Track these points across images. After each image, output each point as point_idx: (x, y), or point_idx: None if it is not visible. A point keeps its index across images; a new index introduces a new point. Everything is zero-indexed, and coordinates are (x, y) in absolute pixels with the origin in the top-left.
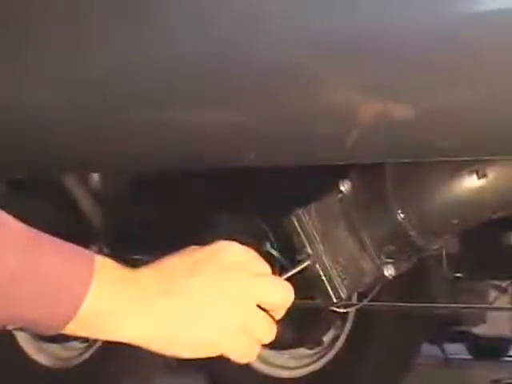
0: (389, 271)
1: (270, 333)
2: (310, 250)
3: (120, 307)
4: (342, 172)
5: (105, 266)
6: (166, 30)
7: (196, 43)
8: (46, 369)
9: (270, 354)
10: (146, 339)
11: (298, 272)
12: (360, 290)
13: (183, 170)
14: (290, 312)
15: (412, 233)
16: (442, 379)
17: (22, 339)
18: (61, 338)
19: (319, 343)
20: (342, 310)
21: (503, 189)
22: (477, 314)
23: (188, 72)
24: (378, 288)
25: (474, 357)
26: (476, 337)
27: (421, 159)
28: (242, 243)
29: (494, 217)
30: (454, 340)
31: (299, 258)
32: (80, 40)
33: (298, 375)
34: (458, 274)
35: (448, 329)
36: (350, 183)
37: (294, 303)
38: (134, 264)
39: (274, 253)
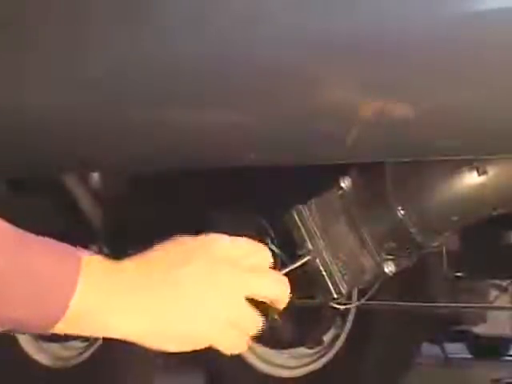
0: (389, 268)
1: (257, 327)
2: (310, 246)
3: (107, 304)
4: (342, 169)
5: (91, 263)
6: (165, 30)
7: (195, 43)
8: (47, 368)
9: (271, 353)
10: (136, 334)
11: (298, 267)
12: (360, 286)
13: (183, 169)
14: (290, 311)
15: (412, 230)
16: (442, 378)
17: (23, 339)
18: (61, 338)
19: (319, 342)
20: (341, 307)
21: (503, 185)
22: (477, 314)
23: (188, 72)
24: (377, 285)
25: (475, 356)
26: (476, 336)
27: (421, 158)
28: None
29: (494, 214)
30: (454, 339)
31: (300, 253)
32: (80, 40)
33: (298, 374)
34: (459, 273)
35: (448, 328)
36: (350, 180)
37: (294, 302)
38: None
39: (274, 248)
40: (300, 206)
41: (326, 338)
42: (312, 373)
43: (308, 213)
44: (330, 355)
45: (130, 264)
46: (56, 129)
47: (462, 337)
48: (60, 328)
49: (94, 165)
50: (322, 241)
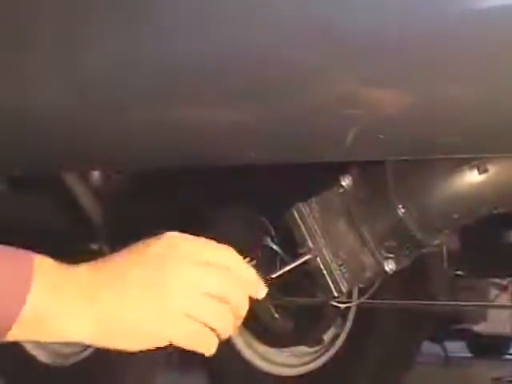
0: (389, 266)
1: (224, 321)
2: (310, 244)
3: (59, 309)
4: (343, 167)
5: (43, 267)
6: (165, 29)
7: (195, 42)
8: (46, 366)
9: (271, 351)
10: (89, 337)
11: (299, 265)
12: (360, 284)
13: (183, 168)
14: (290, 309)
15: (413, 228)
16: (443, 377)
17: None
18: None
19: (320, 341)
20: (342, 306)
21: (504, 184)
22: (477, 312)
23: (188, 70)
24: (378, 284)
25: (475, 355)
26: (477, 335)
27: (421, 157)
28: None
29: (495, 212)
30: (454, 338)
31: (300, 251)
32: (80, 39)
33: (299, 373)
34: (459, 272)
35: (448, 327)
36: (351, 178)
37: (294, 301)
38: None
39: (275, 247)
40: (300, 205)
41: (327, 336)
42: (312, 371)
43: (308, 211)
44: (331, 354)
45: (82, 269)
46: (56, 127)
47: (463, 335)
48: (13, 335)
49: (95, 163)
50: (322, 239)
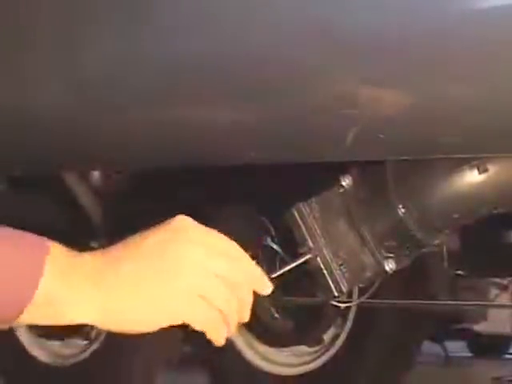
0: (389, 266)
1: (231, 306)
2: (311, 244)
3: (68, 293)
4: (343, 167)
5: (55, 253)
6: (165, 28)
7: (195, 41)
8: (46, 366)
9: (271, 351)
10: (97, 319)
11: (299, 265)
12: (361, 284)
13: (183, 167)
14: (291, 309)
15: (413, 228)
16: (443, 377)
17: (23, 336)
18: (62, 336)
19: (320, 341)
20: (342, 305)
21: (504, 184)
22: (478, 312)
23: (188, 70)
24: (378, 283)
25: (475, 354)
26: (477, 334)
27: (422, 156)
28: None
29: (495, 212)
30: (454, 338)
31: (300, 251)
32: (79, 39)
33: (299, 373)
34: (459, 272)
35: (449, 326)
36: (351, 178)
37: (295, 301)
38: None
39: (275, 247)
40: (301, 205)
41: (327, 336)
42: (312, 371)
43: (309, 211)
44: (331, 353)
45: (87, 256)
46: (56, 127)
47: (463, 335)
48: (24, 318)
49: (95, 163)
50: (322, 239)
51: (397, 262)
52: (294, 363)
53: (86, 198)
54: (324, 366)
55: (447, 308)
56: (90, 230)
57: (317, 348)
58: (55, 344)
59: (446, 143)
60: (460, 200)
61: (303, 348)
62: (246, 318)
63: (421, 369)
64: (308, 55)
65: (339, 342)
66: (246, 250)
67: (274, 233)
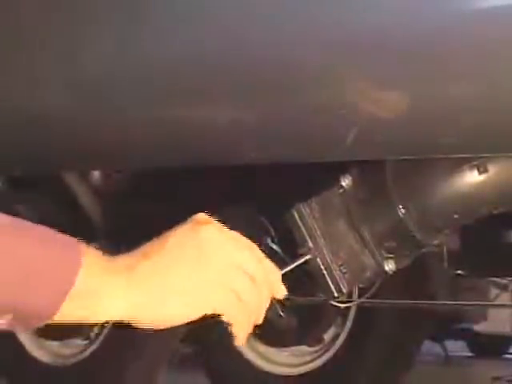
0: (389, 266)
1: (256, 298)
2: (310, 244)
3: (103, 289)
4: (343, 167)
5: (88, 252)
6: (165, 29)
7: (196, 40)
8: (46, 366)
9: (271, 351)
10: (132, 314)
11: (299, 265)
12: (361, 284)
13: (183, 167)
14: (291, 309)
15: (413, 228)
16: (443, 377)
17: (23, 336)
18: (62, 336)
19: (320, 341)
20: (342, 305)
21: (504, 184)
22: (478, 312)
23: (188, 70)
24: (378, 284)
25: (475, 354)
26: (477, 334)
27: (422, 156)
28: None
29: (495, 212)
30: (454, 337)
31: (300, 251)
32: (80, 39)
33: (299, 373)
34: (459, 272)
35: (449, 326)
36: (351, 178)
37: (295, 300)
38: None
39: (275, 247)
40: (301, 205)
41: (327, 336)
42: (312, 371)
43: (308, 211)
44: (331, 353)
45: (118, 256)
46: (56, 127)
47: (463, 335)
48: (60, 315)
49: (95, 163)
50: (322, 239)
51: (397, 263)
52: (295, 363)
53: (85, 198)
54: (324, 365)
55: (447, 308)
56: (89, 229)
57: (317, 348)
58: (55, 344)
59: (445, 143)
60: (460, 200)
61: (303, 348)
62: (261, 319)
63: (421, 369)
64: (308, 55)
65: (339, 342)
66: None
67: (273, 233)
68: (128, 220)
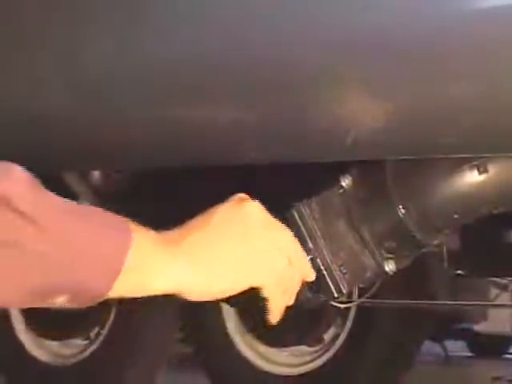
0: (389, 267)
1: (291, 278)
2: (310, 245)
3: (155, 263)
4: (343, 167)
5: (138, 229)
6: (165, 29)
7: (196, 41)
8: (46, 366)
9: (271, 351)
10: (184, 285)
11: None
12: (361, 284)
13: (183, 167)
14: (291, 309)
15: (413, 228)
16: (443, 377)
17: (23, 336)
18: (62, 336)
19: (320, 341)
20: (342, 306)
21: (504, 184)
22: (478, 312)
23: (188, 70)
24: (378, 284)
25: (475, 354)
26: (477, 334)
27: (421, 156)
28: None
29: (495, 212)
30: (454, 337)
31: None
32: (80, 39)
33: (299, 373)
34: (459, 272)
35: (449, 326)
36: (350, 178)
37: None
38: None
39: None
40: (300, 205)
41: (327, 336)
42: (312, 371)
43: (308, 212)
44: (331, 353)
45: (168, 232)
46: (56, 127)
47: (463, 335)
48: (117, 290)
49: (95, 163)
50: (322, 240)
51: (397, 263)
52: (294, 363)
53: (86, 198)
54: (324, 365)
55: (447, 308)
56: None
57: (317, 348)
58: (55, 344)
59: (445, 143)
60: (460, 200)
61: (303, 348)
62: (293, 300)
63: (421, 369)
64: (308, 55)
65: (339, 342)
66: None
67: None
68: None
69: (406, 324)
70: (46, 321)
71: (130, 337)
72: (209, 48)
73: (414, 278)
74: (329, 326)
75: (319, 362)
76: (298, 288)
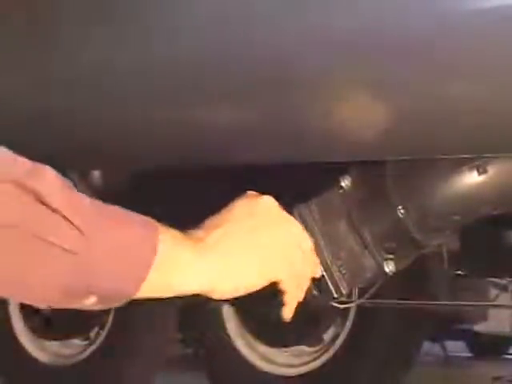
0: (389, 267)
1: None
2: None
3: (183, 261)
4: (342, 168)
5: (163, 230)
6: (166, 30)
7: (196, 41)
8: (46, 366)
9: (271, 351)
10: (210, 285)
11: None
12: (361, 285)
13: (183, 168)
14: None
15: (412, 229)
16: (443, 377)
17: (23, 336)
18: (62, 336)
19: (320, 341)
20: (342, 306)
21: (503, 185)
22: (477, 312)
23: (188, 70)
24: (378, 285)
25: (475, 354)
26: (477, 334)
27: (421, 157)
28: None
29: (495, 213)
30: (454, 338)
31: None
32: (80, 39)
33: (299, 373)
34: (459, 272)
35: (449, 326)
36: (350, 179)
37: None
38: None
39: None
40: (300, 206)
41: (327, 336)
42: (312, 371)
43: (308, 212)
44: (331, 353)
45: (192, 231)
46: (56, 127)
47: (463, 335)
48: (145, 290)
49: (95, 163)
50: (322, 241)
51: (396, 264)
52: (294, 363)
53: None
54: (324, 365)
55: (447, 308)
56: None
57: (317, 348)
58: (55, 344)
59: (445, 143)
60: (460, 201)
61: (303, 348)
62: (302, 295)
63: (421, 369)
64: (308, 55)
65: (339, 342)
66: None
67: None
68: None
69: (405, 324)
70: (45, 321)
71: (129, 337)
72: (209, 48)
73: (414, 279)
74: (329, 326)
75: (319, 362)
76: (308, 284)
